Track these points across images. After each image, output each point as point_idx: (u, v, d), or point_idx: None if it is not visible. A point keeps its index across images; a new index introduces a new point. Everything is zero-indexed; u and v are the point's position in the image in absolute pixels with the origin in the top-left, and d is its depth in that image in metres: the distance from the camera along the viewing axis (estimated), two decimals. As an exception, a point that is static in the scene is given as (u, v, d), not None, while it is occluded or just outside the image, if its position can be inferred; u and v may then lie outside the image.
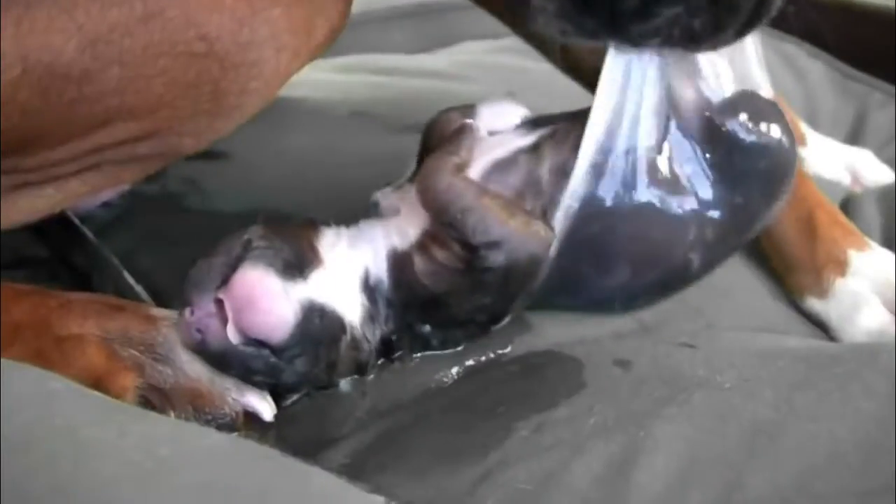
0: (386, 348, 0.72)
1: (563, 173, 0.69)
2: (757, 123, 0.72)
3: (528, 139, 0.72)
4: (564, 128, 0.71)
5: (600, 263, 0.72)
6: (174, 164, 0.93)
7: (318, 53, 0.75)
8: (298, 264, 0.68)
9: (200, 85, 0.68)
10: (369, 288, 0.70)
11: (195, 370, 0.67)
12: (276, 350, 0.66)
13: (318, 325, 0.67)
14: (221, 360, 0.66)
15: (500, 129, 0.74)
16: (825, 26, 1.33)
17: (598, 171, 0.68)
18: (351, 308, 0.69)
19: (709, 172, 0.71)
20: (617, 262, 0.72)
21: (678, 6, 0.64)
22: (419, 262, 0.69)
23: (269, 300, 0.66)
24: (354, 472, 0.65)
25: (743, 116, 0.71)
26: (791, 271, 0.91)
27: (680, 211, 0.70)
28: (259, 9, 0.68)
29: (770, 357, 0.70)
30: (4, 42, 0.62)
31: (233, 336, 0.65)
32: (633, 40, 0.66)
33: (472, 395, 0.69)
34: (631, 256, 0.72)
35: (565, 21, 0.65)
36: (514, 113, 0.75)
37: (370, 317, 0.70)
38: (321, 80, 1.20)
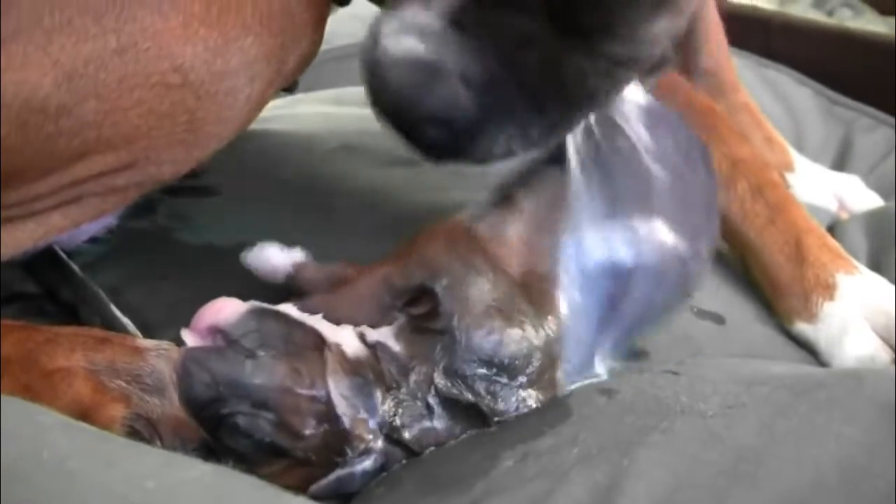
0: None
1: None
2: None
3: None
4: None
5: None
6: (164, 200, 0.94)
7: (291, 81, 0.76)
8: None
9: (176, 115, 0.68)
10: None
11: None
12: (231, 341, 0.65)
13: (280, 327, 0.66)
14: (186, 378, 0.65)
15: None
16: (817, 53, 1.35)
17: None
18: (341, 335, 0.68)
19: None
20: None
21: (510, 127, 0.69)
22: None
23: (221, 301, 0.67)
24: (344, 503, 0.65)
25: None
26: (779, 296, 0.91)
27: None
28: (232, 38, 0.69)
29: (754, 383, 0.70)
30: None
31: (188, 339, 0.66)
32: (476, 161, 0.71)
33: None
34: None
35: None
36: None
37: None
38: (310, 112, 1.21)
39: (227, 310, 0.66)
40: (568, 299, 0.70)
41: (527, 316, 0.68)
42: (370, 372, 0.66)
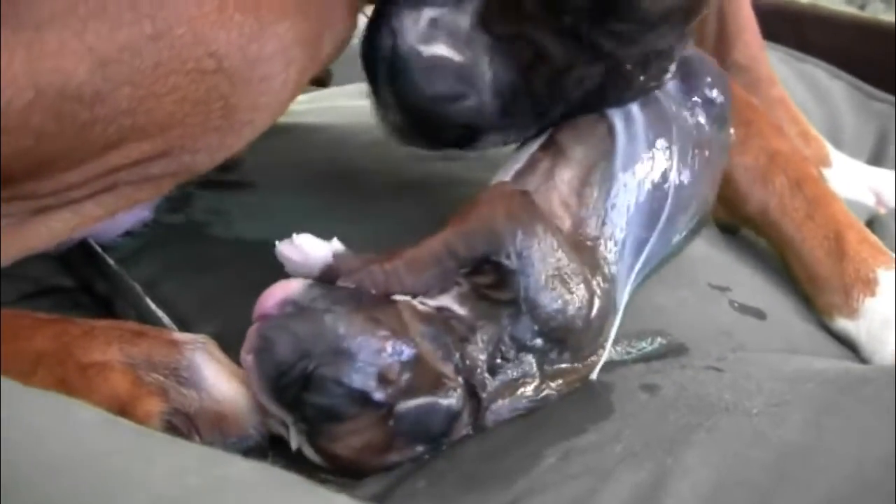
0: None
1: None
2: None
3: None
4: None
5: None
6: (198, 194, 0.93)
7: (326, 66, 0.76)
8: None
9: (211, 101, 0.68)
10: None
11: (220, 392, 0.67)
12: (302, 308, 0.65)
13: (348, 291, 0.66)
14: (267, 347, 0.64)
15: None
16: (850, 46, 1.33)
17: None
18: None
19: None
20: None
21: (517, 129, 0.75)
22: None
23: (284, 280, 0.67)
24: (385, 499, 0.64)
25: None
26: (820, 292, 0.90)
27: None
28: (267, 23, 0.68)
29: (798, 380, 0.69)
30: (16, 66, 0.63)
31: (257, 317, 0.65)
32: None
33: (500, 422, 0.68)
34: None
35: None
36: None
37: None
38: (344, 106, 1.20)
39: (294, 283, 0.66)
40: (614, 250, 0.72)
41: (583, 278, 0.69)
42: (442, 325, 0.66)
